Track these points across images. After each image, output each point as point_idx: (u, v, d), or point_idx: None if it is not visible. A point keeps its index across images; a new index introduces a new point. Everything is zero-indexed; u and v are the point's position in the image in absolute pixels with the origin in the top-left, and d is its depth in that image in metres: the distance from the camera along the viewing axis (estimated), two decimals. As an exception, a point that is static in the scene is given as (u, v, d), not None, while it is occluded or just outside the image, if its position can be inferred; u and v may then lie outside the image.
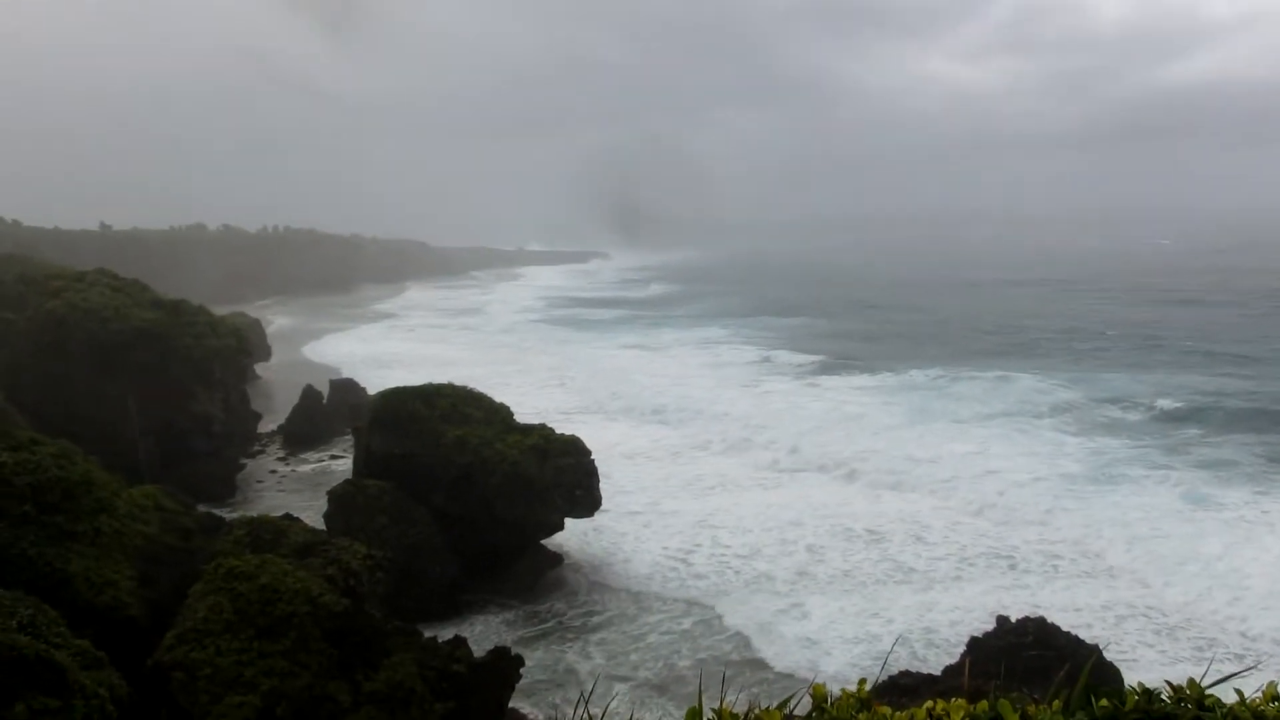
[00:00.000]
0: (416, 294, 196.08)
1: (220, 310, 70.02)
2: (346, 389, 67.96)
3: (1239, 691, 3.09)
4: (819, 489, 48.26)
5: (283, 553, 29.15)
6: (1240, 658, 28.61)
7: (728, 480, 50.37)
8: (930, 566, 37.67)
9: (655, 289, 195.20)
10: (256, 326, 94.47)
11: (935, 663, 27.73)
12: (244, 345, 58.59)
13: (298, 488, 53.03)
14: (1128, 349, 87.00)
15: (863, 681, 2.93)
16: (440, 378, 46.56)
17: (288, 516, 35.59)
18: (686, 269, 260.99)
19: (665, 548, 40.39)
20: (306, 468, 57.55)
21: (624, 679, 29.96)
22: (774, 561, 38.56)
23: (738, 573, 37.77)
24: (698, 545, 40.72)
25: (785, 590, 35.92)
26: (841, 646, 31.18)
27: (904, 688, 22.42)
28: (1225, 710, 3.00)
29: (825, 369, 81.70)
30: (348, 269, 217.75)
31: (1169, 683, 3.28)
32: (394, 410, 41.09)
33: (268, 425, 64.69)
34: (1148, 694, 3.15)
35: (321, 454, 60.35)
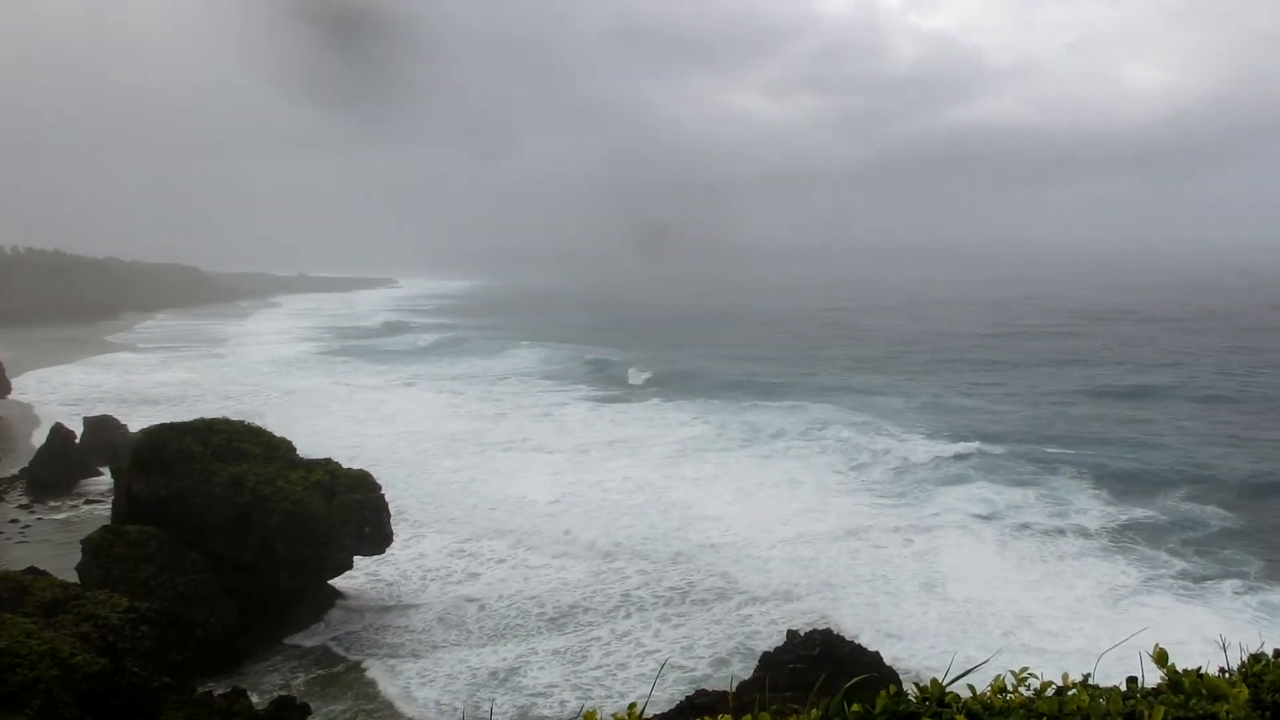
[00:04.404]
0: (164, 323, 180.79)
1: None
2: (103, 426, 62.03)
3: (971, 687, 3.44)
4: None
5: (26, 611, 26.17)
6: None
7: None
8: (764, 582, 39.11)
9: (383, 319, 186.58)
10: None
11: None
12: (-22, 380, 52.13)
13: (45, 538, 47.62)
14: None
15: (634, 705, 2.99)
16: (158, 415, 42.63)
17: (31, 570, 32.16)
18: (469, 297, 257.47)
19: (459, 586, 39.44)
20: (57, 516, 51.82)
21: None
22: (587, 590, 38.70)
23: (542, 607, 37.35)
24: (496, 580, 40.17)
25: (605, 619, 36.09)
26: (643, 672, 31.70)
27: (700, 706, 23.08)
28: (960, 704, 3.33)
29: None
30: (101, 295, 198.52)
31: (915, 684, 3.60)
32: (160, 448, 37.86)
33: (8, 469, 57.83)
34: (896, 695, 3.42)
35: (75, 500, 54.57)
